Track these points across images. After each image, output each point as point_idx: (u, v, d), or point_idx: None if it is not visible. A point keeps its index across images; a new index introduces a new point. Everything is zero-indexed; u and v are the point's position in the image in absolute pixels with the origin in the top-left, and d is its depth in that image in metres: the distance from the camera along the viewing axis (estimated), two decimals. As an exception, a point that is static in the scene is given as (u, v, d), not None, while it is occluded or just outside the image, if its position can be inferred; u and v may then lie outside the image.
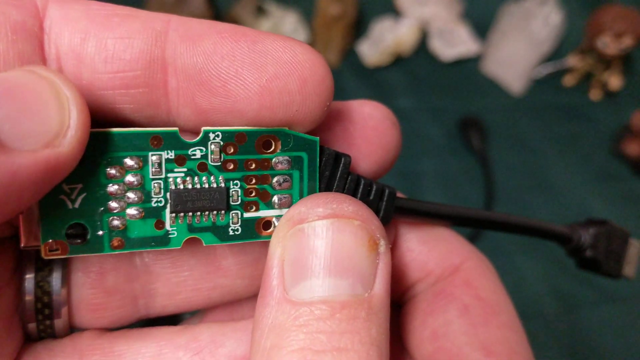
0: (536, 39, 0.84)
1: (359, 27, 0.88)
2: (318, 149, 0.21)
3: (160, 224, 0.20)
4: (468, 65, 0.88)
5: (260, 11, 0.85)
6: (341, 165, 0.22)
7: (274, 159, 0.21)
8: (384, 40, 0.84)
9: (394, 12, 0.90)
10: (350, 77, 0.84)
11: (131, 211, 0.20)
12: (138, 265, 0.24)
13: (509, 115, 0.84)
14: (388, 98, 0.83)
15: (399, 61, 0.87)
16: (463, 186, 0.77)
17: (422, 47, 0.88)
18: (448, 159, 0.79)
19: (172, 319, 0.25)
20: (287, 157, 0.21)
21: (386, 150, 0.23)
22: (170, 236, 0.20)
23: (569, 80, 0.87)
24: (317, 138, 0.21)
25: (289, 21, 0.84)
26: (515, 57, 0.84)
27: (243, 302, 0.26)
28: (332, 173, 0.22)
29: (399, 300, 0.26)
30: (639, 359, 0.65)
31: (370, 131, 0.23)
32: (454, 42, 0.87)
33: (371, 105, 0.24)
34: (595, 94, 0.86)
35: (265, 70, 0.19)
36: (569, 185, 0.78)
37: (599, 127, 0.83)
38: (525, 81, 0.85)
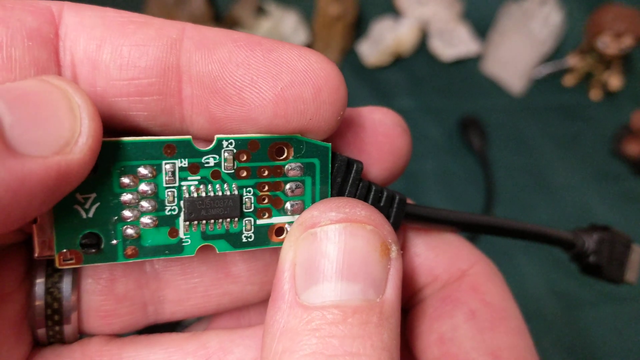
0: (536, 39, 0.84)
1: (359, 27, 0.87)
2: (330, 155, 0.21)
3: (174, 232, 0.20)
4: (468, 65, 0.88)
5: (260, 11, 0.84)
6: (353, 171, 0.22)
7: (286, 166, 0.21)
8: (384, 40, 0.84)
9: (394, 12, 0.90)
10: (350, 77, 0.84)
11: (145, 220, 0.20)
12: (148, 272, 0.24)
13: (509, 115, 0.84)
14: (388, 98, 0.83)
15: (399, 61, 0.87)
16: (463, 186, 0.77)
17: (422, 47, 0.88)
18: (448, 159, 0.79)
19: (178, 323, 0.25)
20: (299, 164, 0.21)
21: (397, 156, 0.23)
22: (184, 244, 0.20)
23: (569, 80, 0.87)
24: (329, 144, 0.21)
25: (289, 21, 0.84)
26: (515, 57, 0.84)
27: (250, 308, 0.26)
28: (344, 179, 0.22)
29: (406, 305, 0.26)
30: (639, 359, 0.65)
31: (381, 138, 0.23)
32: (454, 42, 0.87)
33: (382, 112, 0.24)
34: (595, 94, 0.86)
35: (280, 78, 0.19)
36: (569, 185, 0.78)
37: (599, 127, 0.83)
38: (525, 81, 0.86)
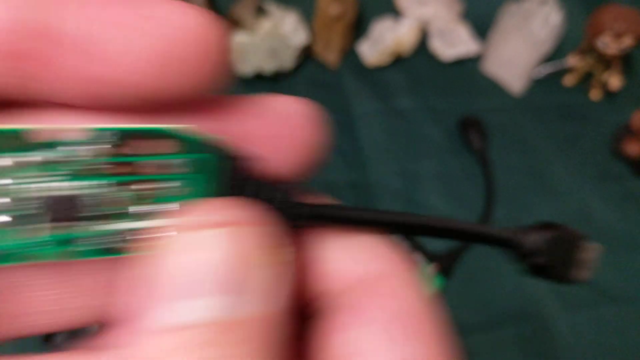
0: (536, 39, 0.84)
1: (359, 27, 0.88)
2: (216, 151, 0.19)
3: (29, 234, 0.17)
4: (468, 65, 0.88)
5: (260, 11, 0.84)
6: (243, 168, 0.19)
7: (159, 162, 0.18)
8: (384, 40, 0.84)
9: (394, 12, 0.90)
10: (350, 77, 0.84)
11: None
12: (1, 281, 0.20)
13: (509, 115, 0.84)
14: (388, 98, 0.83)
15: (399, 61, 0.87)
16: (463, 186, 0.77)
17: (422, 47, 0.88)
18: (448, 159, 0.79)
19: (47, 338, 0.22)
20: (181, 160, 0.18)
21: (299, 150, 0.20)
22: (40, 248, 0.17)
23: (569, 80, 0.87)
24: (218, 137, 0.19)
25: (289, 21, 0.84)
26: (515, 57, 0.84)
27: (111, 325, 0.23)
28: (232, 177, 0.19)
29: (308, 315, 0.22)
30: (639, 359, 0.65)
31: (284, 129, 0.20)
32: (454, 42, 0.87)
33: (285, 101, 0.20)
34: (595, 94, 0.86)
35: (155, 36, 0.17)
36: (569, 185, 0.78)
37: (599, 127, 0.83)
38: (525, 81, 0.85)
